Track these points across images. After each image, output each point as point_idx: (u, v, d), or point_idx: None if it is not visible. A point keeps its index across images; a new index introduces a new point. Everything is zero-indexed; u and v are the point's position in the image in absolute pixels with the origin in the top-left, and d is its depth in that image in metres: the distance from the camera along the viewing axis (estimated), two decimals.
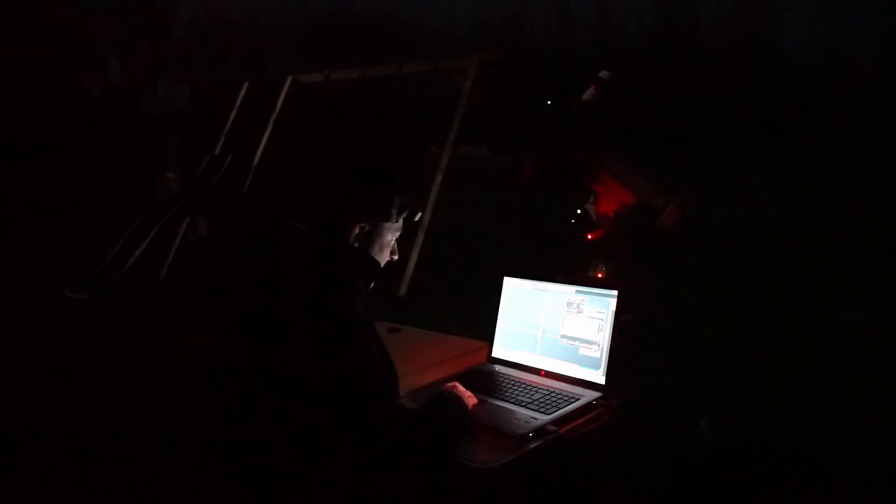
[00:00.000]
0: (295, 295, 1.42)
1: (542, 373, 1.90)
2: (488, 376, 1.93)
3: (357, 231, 1.55)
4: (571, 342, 1.86)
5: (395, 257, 1.67)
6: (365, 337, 1.41)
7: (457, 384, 1.68)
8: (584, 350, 1.83)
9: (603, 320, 1.81)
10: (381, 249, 1.61)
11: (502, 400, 1.74)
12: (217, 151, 8.27)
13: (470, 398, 1.65)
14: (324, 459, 1.34)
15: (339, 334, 1.37)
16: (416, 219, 1.69)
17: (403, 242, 1.71)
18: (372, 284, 1.61)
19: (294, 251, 1.52)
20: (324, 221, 1.55)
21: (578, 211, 2.27)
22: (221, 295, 1.59)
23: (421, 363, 2.02)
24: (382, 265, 1.63)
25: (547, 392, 1.75)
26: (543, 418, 1.60)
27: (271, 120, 8.14)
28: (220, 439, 1.44)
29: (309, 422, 1.34)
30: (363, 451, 1.34)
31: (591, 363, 1.80)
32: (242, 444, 1.39)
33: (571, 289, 1.91)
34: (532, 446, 1.51)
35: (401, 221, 1.64)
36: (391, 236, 1.62)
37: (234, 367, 1.44)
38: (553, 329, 1.92)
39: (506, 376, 1.91)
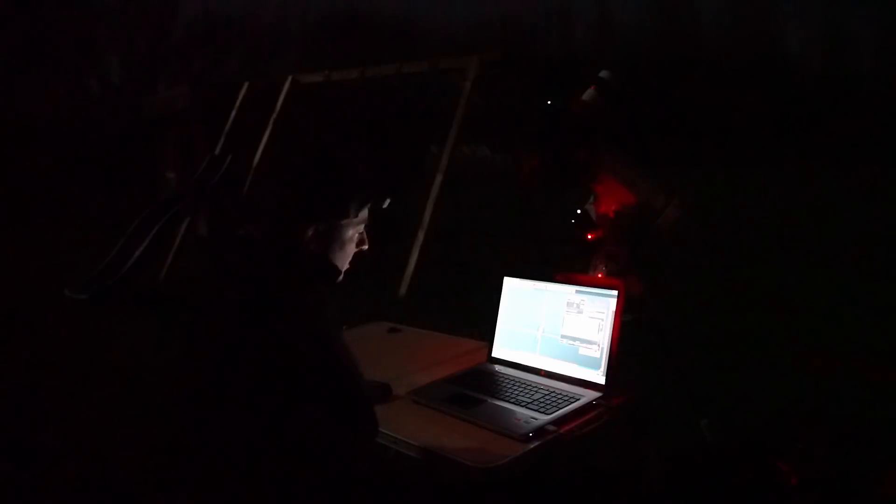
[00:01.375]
0: (238, 308, 1.34)
1: (542, 373, 1.90)
2: (488, 376, 1.93)
3: (311, 233, 1.42)
4: (571, 342, 1.87)
5: (366, 247, 1.55)
6: (308, 354, 1.31)
7: None
8: (584, 350, 1.83)
9: (603, 320, 1.81)
10: (343, 247, 1.48)
11: (502, 400, 1.74)
12: (217, 151, 8.27)
13: None
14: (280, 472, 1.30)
15: (275, 349, 1.30)
16: (385, 205, 1.55)
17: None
18: (337, 283, 1.51)
19: (243, 263, 1.41)
20: (274, 226, 1.43)
21: (578, 211, 2.27)
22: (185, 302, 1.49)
23: (421, 363, 2.02)
24: (346, 263, 1.52)
25: (547, 392, 1.75)
26: (543, 418, 1.60)
27: (271, 120, 8.14)
28: (187, 448, 1.39)
29: (259, 439, 1.29)
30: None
31: (591, 363, 1.80)
32: (204, 453, 1.34)
33: (571, 289, 1.91)
34: (532, 446, 1.51)
35: (365, 213, 1.50)
36: (353, 231, 1.49)
37: (192, 381, 1.39)
38: (553, 329, 1.92)
39: (506, 376, 1.91)
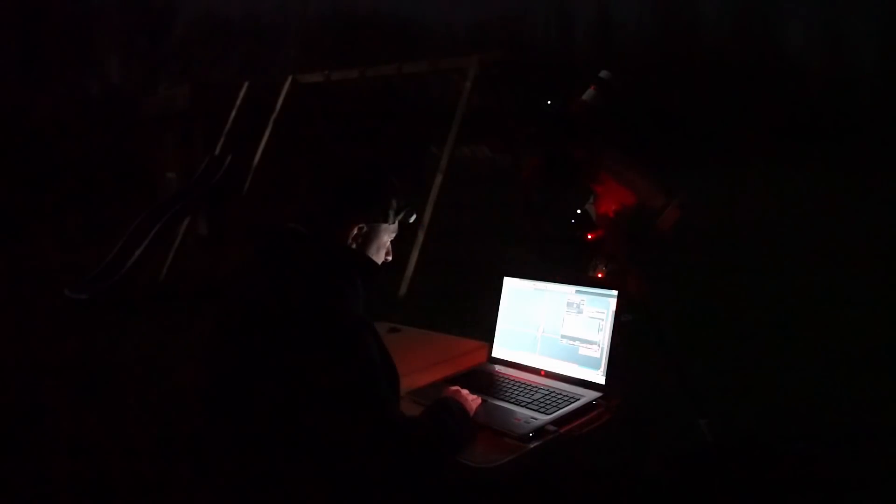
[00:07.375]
0: (295, 298, 1.41)
1: (542, 373, 1.89)
2: (488, 376, 1.93)
3: (355, 232, 1.55)
4: (571, 342, 1.86)
5: (390, 258, 1.67)
6: (366, 340, 1.40)
7: (459, 389, 1.67)
8: (583, 350, 1.83)
9: (603, 320, 1.81)
10: (378, 250, 1.61)
11: (502, 400, 1.74)
12: (217, 151, 8.27)
13: (474, 401, 1.64)
14: (321, 464, 1.33)
15: (339, 338, 1.36)
16: (411, 220, 1.68)
17: (403, 242, 1.71)
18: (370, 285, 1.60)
19: (293, 253, 1.51)
20: (322, 223, 1.54)
21: (578, 211, 2.27)
22: (219, 296, 1.55)
23: (421, 363, 2.02)
24: (379, 266, 1.63)
25: (547, 392, 1.75)
26: (543, 418, 1.60)
27: (271, 120, 8.14)
28: (217, 443, 1.43)
29: (306, 428, 1.33)
30: (360, 459, 1.33)
31: (591, 363, 1.80)
32: (239, 448, 1.38)
33: (571, 289, 1.91)
34: (532, 446, 1.51)
35: (397, 223, 1.64)
36: (387, 237, 1.63)
37: (230, 372, 1.43)
38: (553, 329, 1.92)
39: (506, 376, 1.90)
